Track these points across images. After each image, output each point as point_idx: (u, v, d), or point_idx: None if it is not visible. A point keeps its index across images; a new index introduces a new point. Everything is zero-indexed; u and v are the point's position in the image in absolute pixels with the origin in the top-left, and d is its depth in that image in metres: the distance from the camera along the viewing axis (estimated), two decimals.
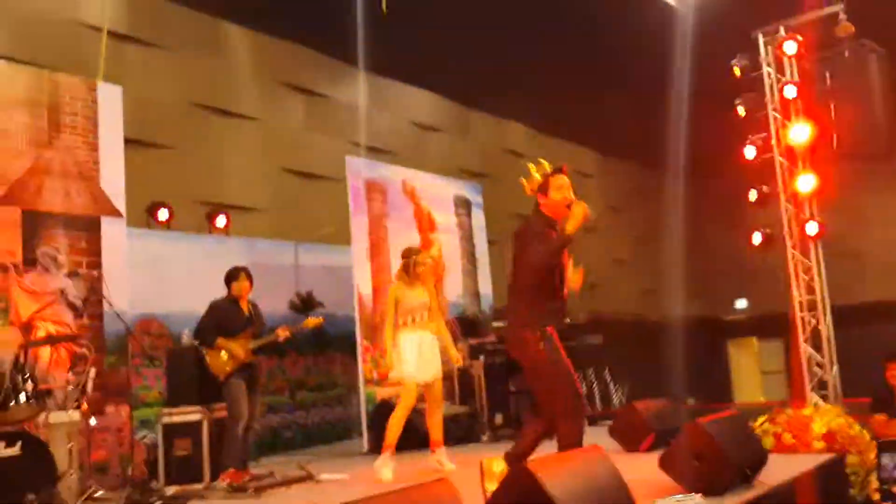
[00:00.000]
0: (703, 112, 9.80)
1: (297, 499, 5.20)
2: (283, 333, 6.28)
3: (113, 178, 7.14)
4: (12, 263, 6.34)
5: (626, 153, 15.66)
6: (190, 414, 6.21)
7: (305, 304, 9.08)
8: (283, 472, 6.08)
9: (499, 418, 8.10)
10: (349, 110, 11.12)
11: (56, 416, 5.36)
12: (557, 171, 4.49)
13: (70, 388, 5.53)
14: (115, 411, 6.53)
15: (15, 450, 4.72)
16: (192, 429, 6.17)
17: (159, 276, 7.56)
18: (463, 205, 10.01)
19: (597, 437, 6.75)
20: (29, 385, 5.07)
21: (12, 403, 4.95)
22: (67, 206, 6.80)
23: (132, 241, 7.18)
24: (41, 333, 6.16)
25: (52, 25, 8.25)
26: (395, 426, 5.81)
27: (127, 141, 7.32)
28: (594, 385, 10.03)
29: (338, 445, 8.60)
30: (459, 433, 7.67)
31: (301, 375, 9.05)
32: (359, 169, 8.80)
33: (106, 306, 6.43)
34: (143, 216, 8.03)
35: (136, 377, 7.05)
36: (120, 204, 7.14)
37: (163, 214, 8.13)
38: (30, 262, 6.46)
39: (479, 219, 10.19)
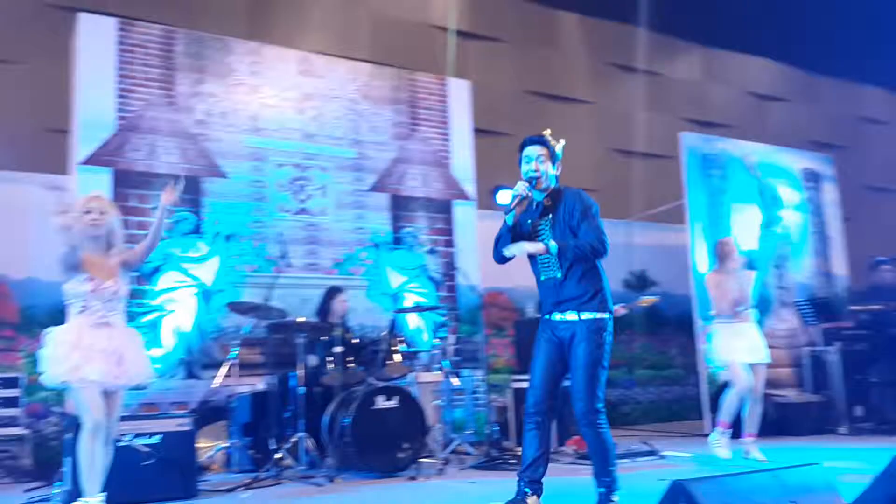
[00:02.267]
0: None
1: (642, 472, 5.25)
2: (619, 311, 6.37)
3: (463, 164, 7.78)
4: (384, 242, 7.23)
5: None
6: None
7: (640, 282, 9.09)
8: (625, 446, 6.17)
9: (858, 410, 7.39)
10: (683, 86, 10.87)
11: (424, 376, 6.01)
12: (524, 142, 3.89)
13: (434, 351, 6.15)
14: (470, 375, 7.15)
15: (393, 402, 5.38)
16: None
17: None
18: (812, 178, 9.26)
19: None
20: (402, 347, 5.76)
21: (389, 363, 5.64)
22: (426, 191, 7.56)
23: (482, 221, 7.75)
24: (408, 304, 6.93)
25: (406, 29, 9.18)
26: (727, 405, 5.69)
27: (475, 130, 7.92)
28: None
29: (674, 425, 8.49)
30: (810, 424, 7.17)
31: (637, 353, 9.10)
32: (693, 144, 8.57)
33: (461, 280, 7.03)
34: (488, 199, 8.60)
35: (486, 345, 7.62)
36: (469, 188, 7.76)
37: (506, 197, 8.62)
38: (397, 240, 7.30)
39: (830, 193, 9.36)
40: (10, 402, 5.63)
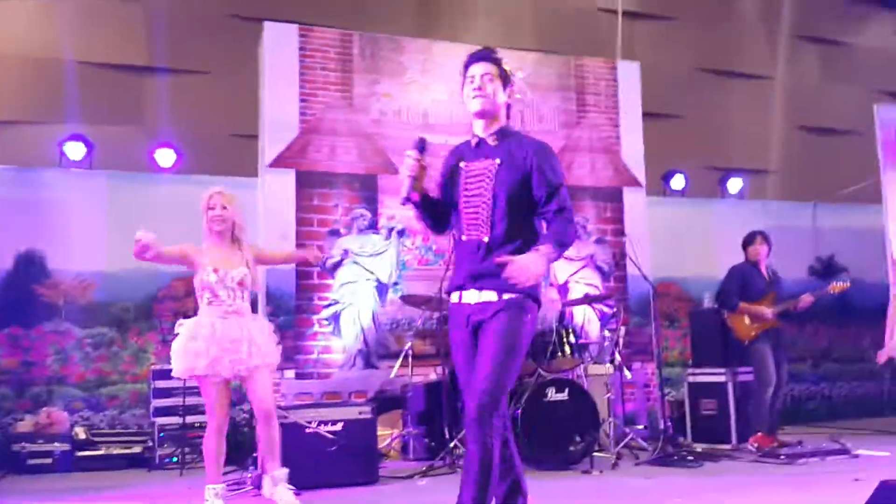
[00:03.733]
0: None
1: (834, 472, 4.94)
2: (806, 300, 6.06)
3: (632, 150, 7.60)
4: None
5: None
6: (715, 375, 6.36)
7: (827, 268, 8.52)
8: (814, 444, 5.84)
9: None
10: (875, 55, 10.02)
11: (594, 368, 5.97)
12: (467, 59, 2.98)
13: (605, 343, 6.09)
14: (641, 368, 7.02)
15: (563, 395, 5.39)
16: (717, 390, 6.32)
17: (676, 241, 7.82)
18: None
19: None
20: (571, 339, 5.74)
21: (558, 355, 5.64)
22: (594, 179, 7.46)
23: (651, 208, 7.57)
24: (577, 295, 6.89)
25: (571, 14, 9.06)
26: None
27: (643, 114, 7.72)
28: None
29: (866, 422, 7.91)
30: None
31: (824, 345, 8.56)
32: (891, 118, 7.89)
33: (632, 270, 6.89)
34: (660, 184, 8.36)
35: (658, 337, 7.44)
36: (639, 174, 7.58)
37: (677, 182, 8.37)
38: None
39: None
40: None
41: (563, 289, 7.12)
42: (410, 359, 5.83)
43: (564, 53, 7.87)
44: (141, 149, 6.86)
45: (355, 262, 6.57)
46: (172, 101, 7.10)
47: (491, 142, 2.89)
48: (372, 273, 6.61)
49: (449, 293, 2.91)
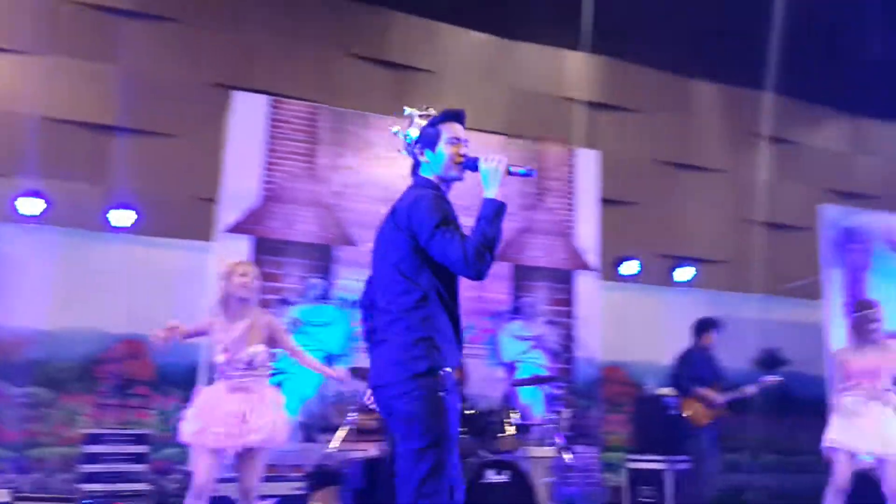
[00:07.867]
0: None
1: None
2: (750, 391, 6.22)
3: (588, 235, 7.81)
4: (502, 312, 7.33)
5: None
6: (655, 462, 6.42)
7: (770, 360, 8.71)
8: None
9: None
10: (824, 155, 10.46)
11: (536, 451, 6.00)
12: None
13: (548, 425, 6.14)
14: (583, 452, 7.06)
15: (504, 477, 5.39)
16: (656, 477, 6.37)
17: (625, 326, 7.98)
18: None
19: None
20: (515, 420, 5.77)
21: (501, 435, 5.67)
22: (548, 261, 7.63)
23: (603, 293, 7.73)
24: (524, 374, 6.97)
25: (540, 101, 9.34)
26: None
27: (603, 201, 7.96)
28: None
29: None
30: None
31: (763, 436, 8.68)
32: (834, 218, 8.22)
33: (579, 352, 7.02)
34: (612, 270, 8.55)
35: (601, 422, 7.52)
36: (593, 259, 7.77)
37: (630, 268, 8.57)
38: (515, 310, 7.39)
39: None
40: (139, 459, 5.91)
41: (510, 367, 7.19)
42: (353, 433, 5.78)
43: (531, 138, 8.12)
44: (98, 207, 6.89)
45: (304, 332, 6.59)
46: (136, 162, 7.16)
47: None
48: (320, 344, 6.62)
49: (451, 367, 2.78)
